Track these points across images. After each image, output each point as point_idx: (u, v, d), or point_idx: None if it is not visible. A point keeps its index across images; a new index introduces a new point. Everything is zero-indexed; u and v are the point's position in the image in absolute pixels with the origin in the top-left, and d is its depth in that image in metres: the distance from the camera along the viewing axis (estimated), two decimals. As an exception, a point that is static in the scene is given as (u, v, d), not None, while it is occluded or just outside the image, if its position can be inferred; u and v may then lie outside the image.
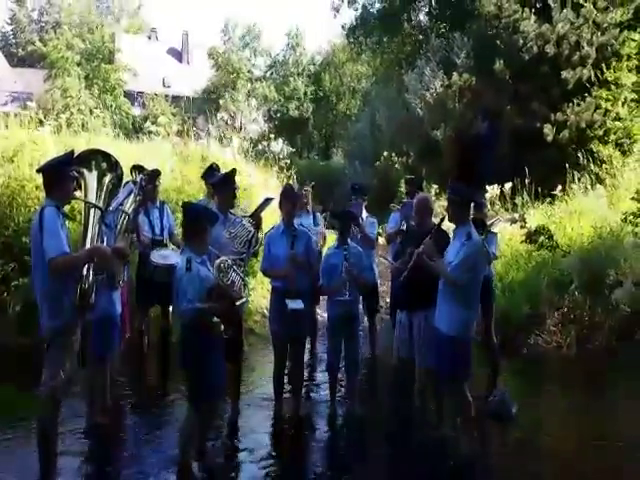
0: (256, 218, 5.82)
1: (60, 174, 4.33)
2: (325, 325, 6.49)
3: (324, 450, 5.55)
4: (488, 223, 6.90)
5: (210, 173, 6.83)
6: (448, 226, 5.40)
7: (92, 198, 4.51)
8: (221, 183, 5.77)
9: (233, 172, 5.82)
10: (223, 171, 6.34)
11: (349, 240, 5.95)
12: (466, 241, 4.92)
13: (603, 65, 14.96)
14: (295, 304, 5.56)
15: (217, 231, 5.33)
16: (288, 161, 14.50)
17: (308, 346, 7.08)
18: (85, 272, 4.38)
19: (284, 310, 5.63)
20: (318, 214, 7.96)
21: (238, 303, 4.70)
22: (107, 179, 4.57)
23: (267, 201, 6.10)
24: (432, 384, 5.67)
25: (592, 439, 5.61)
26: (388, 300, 8.84)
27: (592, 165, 12.22)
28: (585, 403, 6.56)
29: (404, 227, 6.73)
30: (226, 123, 21.15)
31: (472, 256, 4.93)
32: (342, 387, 6.24)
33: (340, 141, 31.93)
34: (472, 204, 6.51)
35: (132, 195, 5.31)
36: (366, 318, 7.51)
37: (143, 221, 6.63)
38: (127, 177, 6.15)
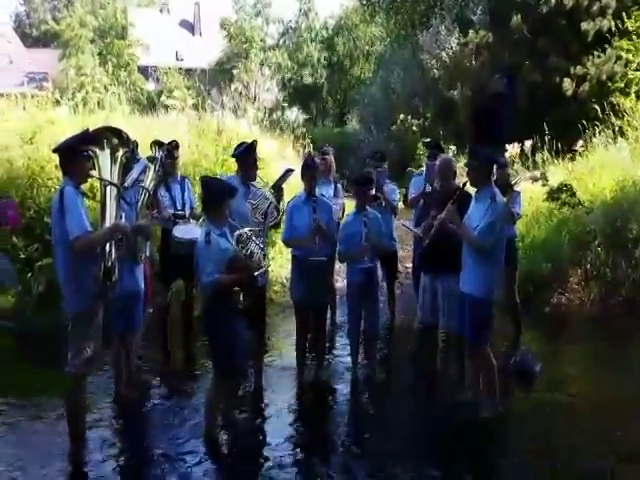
0: (277, 189, 5.85)
1: (76, 153, 4.36)
2: (344, 292, 6.53)
3: (347, 415, 5.63)
4: (512, 182, 6.84)
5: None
6: (470, 189, 5.35)
7: (106, 176, 4.53)
8: (243, 155, 5.79)
9: (254, 144, 5.84)
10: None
11: (367, 206, 5.94)
12: (491, 204, 4.88)
13: (624, 14, 14.57)
14: (319, 256, 5.61)
15: (239, 203, 5.39)
16: (304, 129, 14.41)
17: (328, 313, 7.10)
18: (108, 249, 4.43)
19: (305, 279, 5.68)
20: (339, 185, 7.90)
21: (257, 273, 4.77)
22: (119, 154, 4.58)
23: (288, 172, 6.11)
24: (455, 347, 5.71)
25: (616, 396, 5.59)
26: (407, 265, 8.86)
27: (613, 118, 11.96)
28: (609, 360, 6.55)
29: (428, 190, 6.68)
30: (240, 94, 21.03)
31: (499, 219, 4.90)
32: (363, 353, 6.28)
33: (355, 106, 31.59)
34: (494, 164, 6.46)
35: (150, 171, 5.32)
36: (385, 284, 7.52)
37: (164, 196, 6.64)
38: (147, 153, 6.19)
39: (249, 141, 5.89)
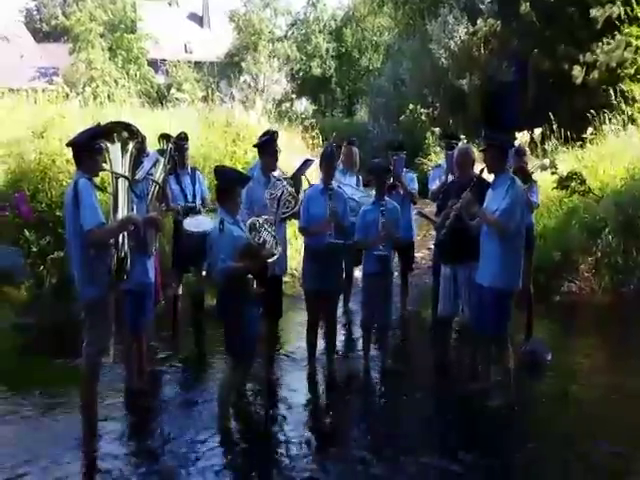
0: (296, 179, 5.89)
1: (89, 147, 4.41)
2: (360, 282, 6.53)
3: (359, 406, 5.61)
4: (531, 170, 6.81)
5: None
6: (487, 177, 5.34)
7: (118, 169, 4.60)
8: (265, 145, 5.83)
9: (275, 135, 5.88)
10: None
11: (385, 196, 5.94)
12: (510, 187, 4.89)
13: (633, 1, 14.44)
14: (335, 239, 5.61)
15: (259, 193, 5.47)
16: (313, 121, 14.38)
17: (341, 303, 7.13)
18: (121, 241, 4.49)
19: (318, 265, 5.69)
20: (360, 177, 7.86)
21: (270, 261, 4.84)
22: (130, 147, 4.64)
23: (307, 162, 6.12)
24: (470, 337, 5.72)
25: (627, 386, 5.57)
26: (417, 254, 8.82)
27: (623, 105, 11.89)
28: (620, 348, 6.54)
29: (451, 180, 6.65)
30: (249, 86, 21.05)
31: (518, 202, 4.90)
32: (375, 343, 6.29)
33: (363, 97, 31.53)
34: (512, 152, 6.45)
35: (160, 164, 5.37)
36: (397, 274, 7.51)
37: (175, 188, 6.67)
38: (155, 146, 6.23)
39: (272, 132, 5.93)
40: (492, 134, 5.50)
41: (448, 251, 5.70)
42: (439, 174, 7.10)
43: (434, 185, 7.05)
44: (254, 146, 6.15)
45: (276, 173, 5.84)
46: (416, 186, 7.41)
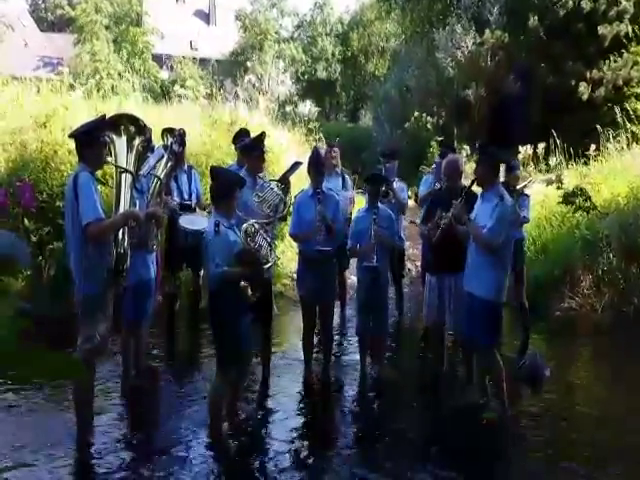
0: (285, 182, 5.81)
1: (92, 139, 4.32)
2: (355, 288, 6.50)
3: (353, 413, 5.57)
4: (520, 185, 6.81)
5: (240, 138, 6.76)
6: (477, 189, 5.32)
7: (122, 163, 4.53)
8: (249, 147, 5.76)
9: (262, 136, 5.80)
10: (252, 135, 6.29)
11: (379, 203, 5.90)
12: (499, 202, 4.85)
13: (641, 19, 14.50)
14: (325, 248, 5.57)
15: (246, 195, 5.36)
16: (317, 124, 14.31)
17: (338, 309, 7.08)
18: (120, 236, 4.43)
19: (311, 273, 5.67)
20: (347, 177, 7.84)
21: (265, 267, 4.76)
22: (136, 142, 4.58)
23: (296, 165, 6.07)
24: (462, 348, 5.68)
25: (625, 404, 5.55)
26: (418, 264, 8.82)
27: (629, 123, 11.87)
28: (618, 367, 6.50)
29: (437, 187, 6.67)
30: (253, 86, 21.01)
31: (506, 217, 4.88)
32: (371, 351, 6.24)
33: (368, 102, 31.56)
34: (504, 166, 6.44)
35: (163, 159, 5.31)
36: (392, 282, 7.47)
37: (172, 186, 6.61)
38: (159, 141, 6.16)
39: (248, 132, 5.86)
40: (486, 147, 5.49)
41: (434, 261, 5.70)
42: (430, 181, 7.14)
43: (423, 190, 7.08)
44: (240, 148, 6.05)
45: (262, 175, 5.77)
46: (406, 196, 7.40)
